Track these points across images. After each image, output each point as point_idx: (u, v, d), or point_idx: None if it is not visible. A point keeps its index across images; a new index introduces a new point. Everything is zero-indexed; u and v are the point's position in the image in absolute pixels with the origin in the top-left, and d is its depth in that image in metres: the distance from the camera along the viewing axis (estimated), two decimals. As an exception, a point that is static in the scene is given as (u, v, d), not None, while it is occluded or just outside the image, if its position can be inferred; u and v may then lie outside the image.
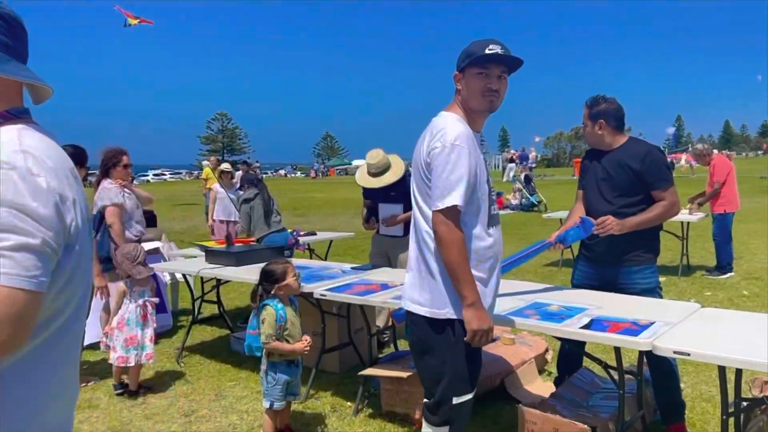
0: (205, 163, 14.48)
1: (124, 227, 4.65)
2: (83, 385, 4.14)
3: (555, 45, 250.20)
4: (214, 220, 8.61)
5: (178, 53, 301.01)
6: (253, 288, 3.30)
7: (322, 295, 3.57)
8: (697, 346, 2.27)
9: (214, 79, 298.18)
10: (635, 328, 2.46)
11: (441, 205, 2.13)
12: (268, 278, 3.22)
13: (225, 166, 9.53)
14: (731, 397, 2.47)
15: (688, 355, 2.22)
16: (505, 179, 27.45)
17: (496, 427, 3.28)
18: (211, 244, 5.49)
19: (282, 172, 67.07)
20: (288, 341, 3.13)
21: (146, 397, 3.92)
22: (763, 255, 8.72)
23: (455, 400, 2.29)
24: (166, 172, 58.12)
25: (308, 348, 3.17)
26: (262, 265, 3.38)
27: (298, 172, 64.67)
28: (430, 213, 2.20)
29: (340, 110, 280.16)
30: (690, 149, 8.34)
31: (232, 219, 7.87)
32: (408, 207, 3.90)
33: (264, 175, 53.43)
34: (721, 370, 2.31)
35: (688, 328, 2.52)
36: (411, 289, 2.34)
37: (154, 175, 55.43)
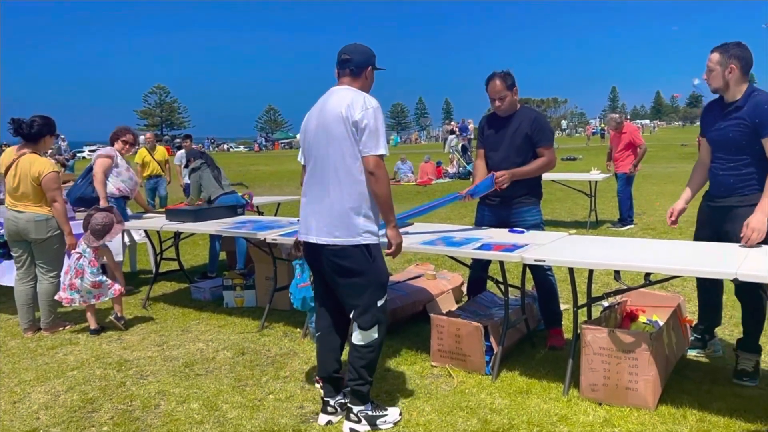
0: (141, 139, 10.19)
1: (106, 179, 5.41)
2: (60, 329, 4.70)
3: (493, 19, 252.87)
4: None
5: (111, 24, 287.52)
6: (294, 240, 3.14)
7: (273, 240, 4.24)
8: (553, 256, 3.10)
9: (150, 51, 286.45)
10: (512, 248, 3.27)
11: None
12: None
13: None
14: (585, 298, 3.33)
15: (544, 261, 3.04)
16: (446, 150, 28.27)
17: (417, 339, 4.08)
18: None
19: (225, 147, 66.23)
20: None
21: (120, 334, 4.53)
22: (663, 211, 9.88)
23: (379, 303, 2.90)
24: (102, 148, 56.45)
25: None
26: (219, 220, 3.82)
27: (241, 147, 64.16)
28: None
29: (282, 83, 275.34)
30: (606, 119, 9.34)
31: None
32: None
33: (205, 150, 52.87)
34: (571, 271, 3.15)
35: (553, 247, 3.34)
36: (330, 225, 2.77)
37: (90, 151, 53.83)
